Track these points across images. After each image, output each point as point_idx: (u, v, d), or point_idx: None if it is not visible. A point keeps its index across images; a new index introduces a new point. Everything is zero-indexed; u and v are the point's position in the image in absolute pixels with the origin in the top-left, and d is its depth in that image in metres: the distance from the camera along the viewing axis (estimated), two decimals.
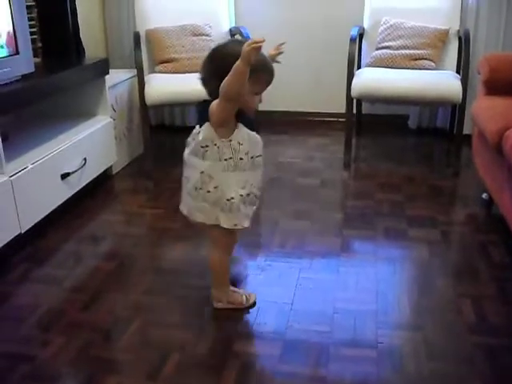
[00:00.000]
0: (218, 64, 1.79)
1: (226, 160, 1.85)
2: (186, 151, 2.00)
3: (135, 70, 3.44)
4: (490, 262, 2.38)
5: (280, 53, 2.13)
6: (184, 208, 2.07)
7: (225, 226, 1.92)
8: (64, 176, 2.78)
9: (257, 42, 1.67)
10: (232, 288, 2.11)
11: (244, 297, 2.09)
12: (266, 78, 1.88)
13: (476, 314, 2.03)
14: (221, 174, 1.87)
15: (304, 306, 2.05)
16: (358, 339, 1.90)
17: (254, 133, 1.91)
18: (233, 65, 1.67)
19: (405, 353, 1.83)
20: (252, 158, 1.89)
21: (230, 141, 1.84)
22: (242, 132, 1.86)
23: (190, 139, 1.99)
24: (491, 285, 2.21)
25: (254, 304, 2.09)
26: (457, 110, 3.50)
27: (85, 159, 2.96)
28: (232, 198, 1.88)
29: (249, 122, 1.89)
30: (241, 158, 1.86)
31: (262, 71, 1.84)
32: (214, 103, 1.79)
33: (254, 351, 1.85)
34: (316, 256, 2.45)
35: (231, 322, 2.00)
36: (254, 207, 2.01)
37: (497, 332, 1.93)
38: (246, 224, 1.96)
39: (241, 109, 1.82)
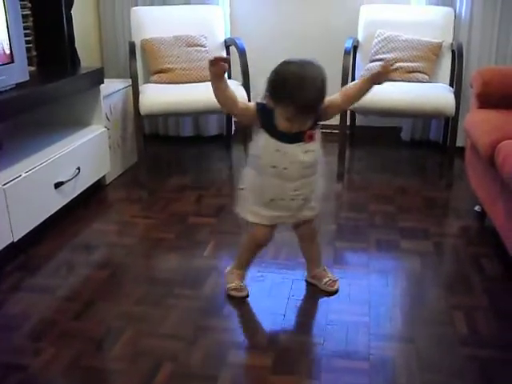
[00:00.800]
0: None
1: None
2: None
3: (130, 80, 3.45)
4: (482, 274, 2.39)
5: (389, 71, 2.05)
6: None
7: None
8: (57, 185, 2.77)
9: (218, 60, 1.87)
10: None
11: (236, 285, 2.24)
12: (293, 109, 1.88)
13: (468, 326, 2.03)
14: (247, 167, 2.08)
15: (296, 317, 2.05)
16: (351, 351, 1.90)
17: (288, 145, 1.95)
18: (272, 82, 1.92)
19: (397, 365, 1.83)
20: (273, 167, 1.97)
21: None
22: (261, 140, 1.98)
23: None
24: (483, 297, 2.22)
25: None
26: (450, 122, 3.52)
27: (78, 168, 2.96)
28: (241, 189, 2.11)
29: (284, 135, 1.94)
30: (259, 161, 2.00)
31: (288, 100, 1.87)
32: None
33: (246, 362, 1.85)
34: None
35: (224, 332, 2.00)
36: (277, 213, 2.08)
37: (488, 344, 1.94)
38: (250, 218, 2.11)
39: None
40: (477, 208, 3.01)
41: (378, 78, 2.01)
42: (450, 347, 1.92)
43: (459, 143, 3.57)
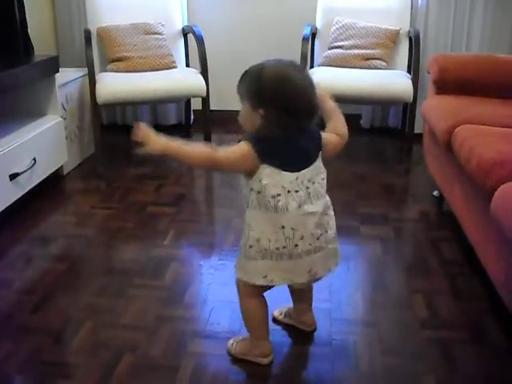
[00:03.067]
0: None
1: None
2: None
3: (86, 69, 3.38)
4: (441, 258, 2.41)
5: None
6: None
7: None
8: (13, 176, 2.71)
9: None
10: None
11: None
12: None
13: (428, 308, 2.05)
14: None
15: None
16: (312, 336, 1.90)
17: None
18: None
19: (359, 349, 1.84)
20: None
21: None
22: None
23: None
24: (443, 280, 2.24)
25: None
26: (408, 109, 3.55)
27: (34, 159, 2.90)
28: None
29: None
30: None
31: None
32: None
33: (207, 351, 1.83)
34: None
35: (185, 322, 1.98)
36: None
37: (448, 326, 1.97)
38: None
39: None
40: (435, 193, 3.04)
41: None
42: (411, 330, 1.94)
43: (417, 130, 3.60)
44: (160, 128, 4.19)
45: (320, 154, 1.64)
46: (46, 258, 2.43)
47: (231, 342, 1.84)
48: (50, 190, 3.14)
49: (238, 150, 1.57)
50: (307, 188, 1.59)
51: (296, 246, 1.60)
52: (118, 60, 3.59)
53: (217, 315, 2.01)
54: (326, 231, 1.66)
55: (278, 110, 1.52)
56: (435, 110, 2.72)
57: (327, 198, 1.68)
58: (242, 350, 1.80)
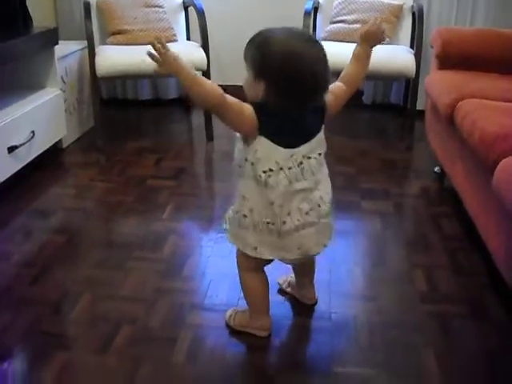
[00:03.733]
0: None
1: None
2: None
3: (86, 42, 3.35)
4: (441, 233, 2.40)
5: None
6: None
7: None
8: (11, 149, 2.69)
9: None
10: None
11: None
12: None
13: (428, 283, 2.05)
14: None
15: None
16: (312, 309, 1.90)
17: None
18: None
19: (358, 322, 1.84)
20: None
21: None
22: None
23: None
24: (442, 255, 2.24)
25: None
26: (410, 84, 3.52)
27: (33, 132, 2.88)
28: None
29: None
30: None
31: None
32: None
33: (206, 323, 1.83)
34: None
35: (183, 294, 1.98)
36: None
37: (448, 300, 1.96)
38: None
39: None
40: (436, 169, 3.02)
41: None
42: (411, 304, 1.94)
43: (419, 107, 3.57)
44: (161, 102, 4.21)
45: (323, 126, 1.59)
46: (45, 231, 2.42)
47: (230, 312, 1.84)
48: (50, 163, 3.12)
49: (244, 104, 1.49)
50: (301, 163, 1.53)
51: (284, 222, 1.56)
52: (118, 33, 3.55)
53: (215, 288, 2.01)
54: (319, 205, 1.60)
55: (280, 85, 1.45)
56: (438, 85, 2.69)
57: (324, 172, 1.63)
58: (241, 323, 1.80)
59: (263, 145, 1.50)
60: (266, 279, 1.76)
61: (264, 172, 1.52)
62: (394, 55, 3.40)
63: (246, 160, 1.54)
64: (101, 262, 2.18)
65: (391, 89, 4.18)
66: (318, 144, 1.58)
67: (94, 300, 1.95)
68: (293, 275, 1.95)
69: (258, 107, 1.49)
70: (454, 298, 1.97)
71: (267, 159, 1.51)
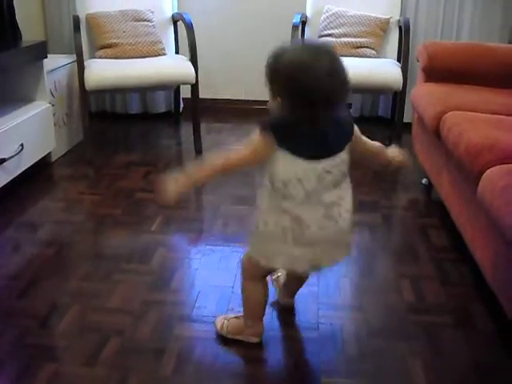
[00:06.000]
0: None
1: None
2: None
3: (75, 55, 3.36)
4: (429, 245, 2.42)
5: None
6: None
7: None
8: (0, 162, 2.69)
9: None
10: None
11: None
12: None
13: (415, 293, 2.06)
14: None
15: None
16: (300, 320, 1.90)
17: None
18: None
19: (346, 333, 1.84)
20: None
21: None
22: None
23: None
24: (430, 266, 2.25)
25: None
26: (397, 97, 3.55)
27: (22, 145, 2.88)
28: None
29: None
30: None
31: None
32: None
33: (194, 335, 1.83)
34: None
35: (172, 306, 1.98)
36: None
37: (435, 310, 1.97)
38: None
39: None
40: (424, 181, 3.05)
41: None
42: (398, 314, 1.95)
43: (407, 119, 3.60)
44: (149, 116, 4.23)
45: (348, 146, 1.57)
46: (34, 244, 2.42)
47: (221, 320, 1.84)
48: (38, 176, 3.12)
49: (249, 145, 1.55)
50: (322, 178, 1.52)
51: (301, 234, 1.57)
52: (107, 47, 3.56)
53: (204, 300, 2.01)
54: (337, 222, 1.59)
55: (290, 98, 1.45)
56: (424, 97, 2.72)
57: (346, 189, 1.62)
58: (234, 329, 1.80)
59: (283, 157, 1.51)
60: (267, 287, 1.77)
61: (283, 183, 1.53)
62: (381, 68, 3.44)
63: (266, 172, 1.57)
64: (89, 274, 2.18)
65: (379, 102, 4.21)
66: (341, 162, 1.56)
67: (82, 312, 1.94)
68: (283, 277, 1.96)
69: (273, 123, 1.51)
70: (441, 309, 1.98)
71: (286, 171, 1.52)
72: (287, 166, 1.51)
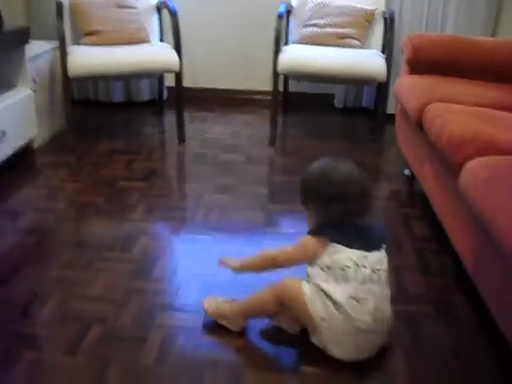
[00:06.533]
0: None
1: None
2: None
3: (57, 42, 3.32)
4: (411, 235, 2.44)
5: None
6: None
7: None
8: None
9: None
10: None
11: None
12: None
13: (397, 283, 2.07)
14: None
15: (227, 278, 2.01)
16: None
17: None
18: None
19: None
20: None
21: None
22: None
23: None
24: (412, 256, 2.27)
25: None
26: (381, 88, 3.56)
27: (3, 132, 2.85)
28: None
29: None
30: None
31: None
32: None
33: (176, 323, 1.83)
34: (240, 229, 2.45)
35: (154, 294, 1.98)
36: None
37: (415, 300, 1.99)
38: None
39: None
40: (406, 172, 3.06)
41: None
42: None
43: (390, 110, 3.61)
44: (133, 104, 4.20)
45: (384, 247, 1.73)
46: (15, 232, 2.40)
47: (211, 300, 1.86)
48: (20, 163, 3.10)
49: (301, 246, 1.72)
50: (372, 271, 1.64)
51: (358, 320, 1.62)
52: (91, 33, 3.53)
53: (186, 288, 2.01)
54: (382, 318, 1.67)
55: (321, 203, 1.71)
56: (407, 89, 2.73)
57: (387, 290, 1.70)
58: (220, 312, 1.81)
59: (336, 249, 1.65)
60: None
61: (342, 269, 1.63)
62: (365, 59, 3.44)
63: (317, 266, 1.68)
64: (71, 262, 2.17)
65: (362, 93, 4.22)
66: (383, 259, 1.71)
67: (63, 300, 1.93)
68: None
69: (320, 226, 1.72)
70: (422, 299, 2.00)
71: (345, 258, 1.64)
72: (343, 254, 1.64)
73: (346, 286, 1.62)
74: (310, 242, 1.69)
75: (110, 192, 2.76)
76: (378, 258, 1.68)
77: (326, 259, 1.66)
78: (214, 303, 1.84)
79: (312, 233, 1.71)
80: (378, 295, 1.65)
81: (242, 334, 1.79)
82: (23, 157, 3.17)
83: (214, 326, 1.81)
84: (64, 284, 2.03)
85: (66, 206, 2.65)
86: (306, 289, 1.67)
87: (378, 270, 1.66)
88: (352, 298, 1.61)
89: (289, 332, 1.79)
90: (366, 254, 1.65)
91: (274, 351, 1.74)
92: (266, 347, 1.76)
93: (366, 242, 1.68)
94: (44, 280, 2.05)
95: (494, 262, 1.65)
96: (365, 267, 1.63)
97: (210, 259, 2.19)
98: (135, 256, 2.21)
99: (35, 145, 3.32)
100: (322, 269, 1.66)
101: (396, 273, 2.14)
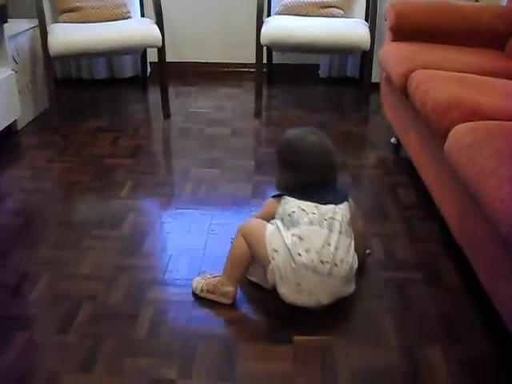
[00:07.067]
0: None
1: None
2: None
3: (37, 20, 3.28)
4: (398, 203, 2.45)
5: None
6: None
7: None
8: None
9: None
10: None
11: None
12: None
13: (385, 251, 2.09)
14: None
15: (216, 252, 2.03)
16: None
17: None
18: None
19: None
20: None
21: None
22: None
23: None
24: (399, 224, 2.28)
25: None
26: (365, 57, 3.55)
27: None
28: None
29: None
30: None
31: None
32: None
33: (167, 298, 1.84)
34: (227, 202, 2.45)
35: (144, 270, 1.98)
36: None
37: (404, 267, 2.01)
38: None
39: None
40: (392, 140, 3.07)
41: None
42: (369, 272, 1.97)
43: (375, 79, 3.60)
44: (116, 81, 4.17)
45: (346, 205, 1.81)
46: (2, 213, 2.39)
47: (198, 280, 1.86)
48: (4, 145, 3.07)
49: (266, 208, 1.93)
50: (324, 218, 1.72)
51: (299, 254, 1.66)
52: (70, 10, 3.48)
53: (175, 263, 2.01)
54: (336, 264, 1.68)
55: (285, 168, 1.89)
56: (391, 56, 2.72)
57: (347, 243, 1.74)
58: (209, 288, 1.82)
59: (286, 199, 1.81)
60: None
61: (289, 215, 1.74)
62: (349, 28, 3.42)
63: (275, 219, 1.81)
64: (59, 241, 2.16)
65: (347, 62, 4.21)
66: (342, 214, 1.76)
67: (53, 280, 1.93)
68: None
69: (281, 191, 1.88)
70: (410, 265, 2.02)
71: (293, 206, 1.76)
72: (294, 203, 1.77)
73: (295, 229, 1.71)
74: (271, 202, 1.90)
75: (96, 170, 2.75)
76: (331, 209, 1.75)
77: (279, 210, 1.81)
78: (202, 282, 1.85)
79: (274, 196, 1.89)
80: (329, 239, 1.69)
81: (233, 306, 1.80)
82: (7, 138, 3.14)
83: (205, 300, 1.82)
84: (53, 264, 2.02)
85: (53, 185, 2.63)
86: (269, 226, 1.77)
87: (332, 218, 1.73)
88: (295, 235, 1.69)
89: (264, 287, 1.83)
90: (317, 205, 1.75)
91: (266, 322, 1.75)
92: (258, 318, 1.77)
93: (321, 198, 1.77)
94: (33, 260, 2.05)
95: (480, 226, 1.66)
96: (313, 214, 1.72)
97: (198, 233, 2.19)
98: (124, 233, 2.21)
99: (19, 126, 3.29)
100: (278, 220, 1.78)
101: (384, 240, 2.15)
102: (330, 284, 1.70)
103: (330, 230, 1.70)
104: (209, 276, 1.86)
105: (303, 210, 1.73)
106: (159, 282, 1.92)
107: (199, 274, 1.92)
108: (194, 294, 1.84)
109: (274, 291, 1.77)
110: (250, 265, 1.82)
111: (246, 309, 1.80)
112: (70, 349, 1.63)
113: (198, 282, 1.85)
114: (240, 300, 1.83)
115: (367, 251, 2.04)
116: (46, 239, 2.19)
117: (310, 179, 1.81)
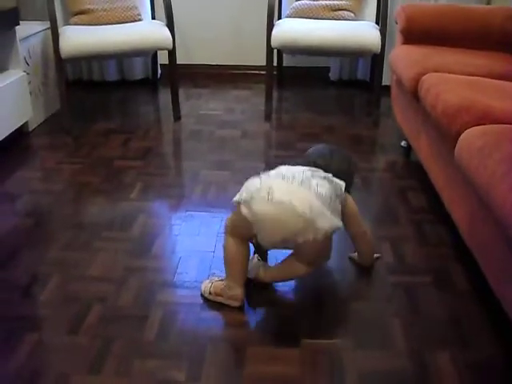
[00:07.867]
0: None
1: None
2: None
3: (49, 22, 3.29)
4: (408, 206, 2.44)
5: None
6: None
7: None
8: None
9: None
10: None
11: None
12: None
13: (395, 255, 2.08)
14: None
15: None
16: (280, 284, 1.91)
17: None
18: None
19: (327, 295, 1.87)
20: None
21: None
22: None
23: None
24: (409, 227, 2.27)
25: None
26: (376, 60, 3.54)
27: None
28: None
29: None
30: None
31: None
32: None
33: (176, 300, 1.84)
34: None
35: (153, 272, 1.98)
36: None
37: (414, 271, 2.00)
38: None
39: None
40: (403, 143, 3.06)
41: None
42: (378, 276, 1.97)
43: (386, 82, 3.59)
44: (127, 83, 4.18)
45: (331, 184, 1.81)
46: (13, 214, 2.40)
47: (206, 283, 1.86)
48: (16, 146, 3.09)
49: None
50: (293, 176, 1.76)
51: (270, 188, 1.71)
52: (82, 13, 3.50)
53: (185, 265, 2.02)
54: (283, 202, 1.68)
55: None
56: (402, 59, 2.72)
57: (304, 191, 1.71)
58: (216, 290, 1.82)
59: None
60: (247, 251, 1.81)
61: None
62: (360, 31, 3.41)
63: None
64: (69, 243, 2.17)
65: (357, 65, 4.20)
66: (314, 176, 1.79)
67: (63, 281, 1.94)
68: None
69: None
70: (420, 269, 2.01)
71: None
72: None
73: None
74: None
75: (106, 172, 2.76)
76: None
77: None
78: (210, 285, 1.85)
79: None
80: (280, 185, 1.74)
81: (241, 309, 1.80)
82: (18, 139, 3.16)
83: (214, 303, 1.82)
84: (64, 265, 2.03)
85: (63, 187, 2.64)
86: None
87: (293, 176, 1.76)
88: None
89: (270, 290, 1.85)
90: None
91: (274, 325, 1.75)
92: (266, 321, 1.77)
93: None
94: (43, 262, 2.06)
95: (489, 230, 1.65)
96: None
97: (208, 235, 2.20)
98: (134, 235, 2.21)
99: (30, 127, 3.31)
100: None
101: (394, 244, 2.15)
102: (300, 191, 1.70)
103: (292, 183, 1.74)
104: (216, 279, 1.86)
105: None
106: (169, 283, 1.92)
107: (209, 276, 1.92)
108: (203, 297, 1.85)
109: (283, 295, 1.77)
110: (247, 261, 1.83)
111: (254, 312, 1.81)
112: (79, 350, 1.63)
113: (206, 285, 1.86)
114: (249, 302, 1.83)
115: (376, 255, 2.04)
116: (56, 240, 2.19)
117: None
